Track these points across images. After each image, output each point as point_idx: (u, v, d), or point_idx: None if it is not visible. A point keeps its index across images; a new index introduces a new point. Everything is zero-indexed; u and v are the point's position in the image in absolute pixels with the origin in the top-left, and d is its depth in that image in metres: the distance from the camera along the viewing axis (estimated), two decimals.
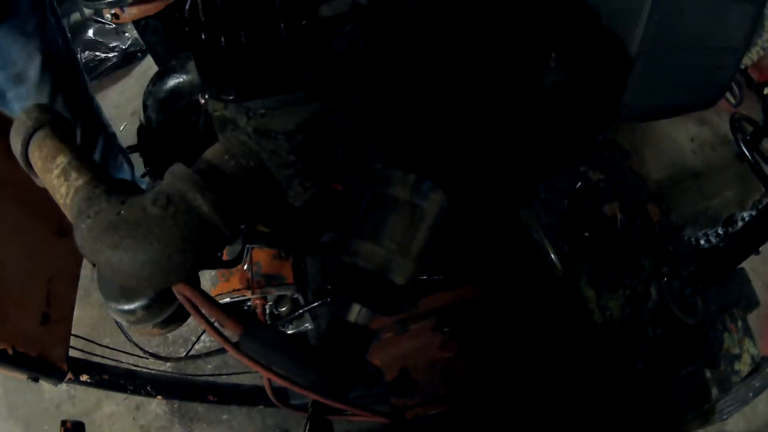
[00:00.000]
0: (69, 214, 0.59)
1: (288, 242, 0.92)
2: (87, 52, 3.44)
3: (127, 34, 3.59)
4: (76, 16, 3.91)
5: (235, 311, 0.63)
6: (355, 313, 0.63)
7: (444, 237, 0.66)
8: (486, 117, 0.78)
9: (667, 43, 0.78)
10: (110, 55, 3.49)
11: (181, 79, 0.79)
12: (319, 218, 0.85)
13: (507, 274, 1.18)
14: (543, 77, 0.82)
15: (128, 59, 3.55)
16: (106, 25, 3.61)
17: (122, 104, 3.35)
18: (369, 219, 0.63)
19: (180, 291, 0.60)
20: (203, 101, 0.64)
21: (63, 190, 0.60)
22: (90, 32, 3.53)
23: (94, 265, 0.98)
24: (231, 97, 0.56)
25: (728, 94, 3.28)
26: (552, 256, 1.24)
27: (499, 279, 1.17)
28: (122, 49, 3.53)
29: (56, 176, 0.61)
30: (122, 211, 0.54)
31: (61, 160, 0.62)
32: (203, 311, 0.61)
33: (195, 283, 0.76)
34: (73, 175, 0.60)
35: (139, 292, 0.97)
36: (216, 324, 0.68)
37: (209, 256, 0.56)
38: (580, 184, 1.45)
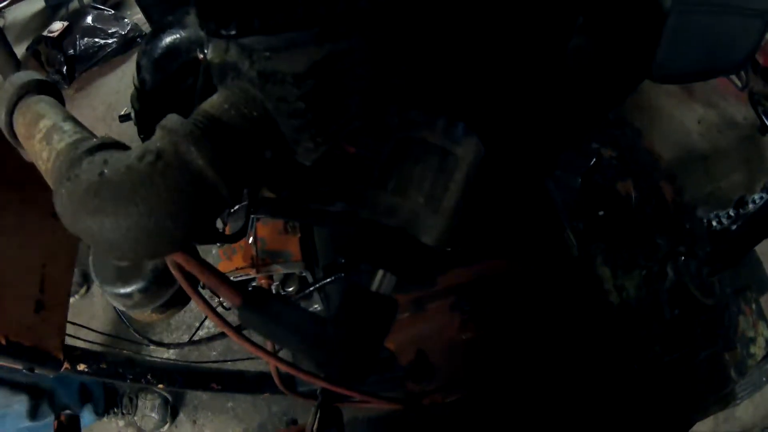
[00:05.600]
0: (50, 181, 0.53)
1: (295, 211, 0.84)
2: (86, 39, 3.41)
3: (126, 20, 3.57)
4: (74, 4, 3.90)
5: (233, 281, 0.55)
6: (377, 280, 0.55)
7: (470, 202, 0.58)
8: (511, 71, 0.71)
9: None
10: (109, 41, 3.46)
11: (178, 36, 0.72)
12: (328, 185, 0.77)
13: (529, 249, 1.12)
14: (569, 35, 0.75)
15: (128, 45, 3.52)
16: (105, 12, 3.61)
17: (122, 90, 3.31)
18: (393, 168, 0.55)
19: (174, 261, 0.54)
20: (202, 57, 0.57)
21: (45, 155, 0.54)
22: (89, 19, 3.50)
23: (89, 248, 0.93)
24: (232, 32, 0.48)
25: (734, 77, 3.26)
26: (568, 234, 1.20)
27: (522, 254, 1.11)
28: (121, 35, 3.49)
29: (38, 141, 0.56)
30: (105, 171, 0.47)
31: (44, 123, 0.56)
32: (199, 278, 0.55)
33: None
34: (55, 137, 0.54)
35: (136, 274, 0.92)
36: (217, 309, 0.62)
37: (205, 222, 0.49)
38: (594, 161, 1.41)
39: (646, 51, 0.73)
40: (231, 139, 0.50)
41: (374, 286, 0.56)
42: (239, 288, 0.56)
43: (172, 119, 0.49)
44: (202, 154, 0.47)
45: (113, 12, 3.60)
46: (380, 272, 0.56)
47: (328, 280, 0.99)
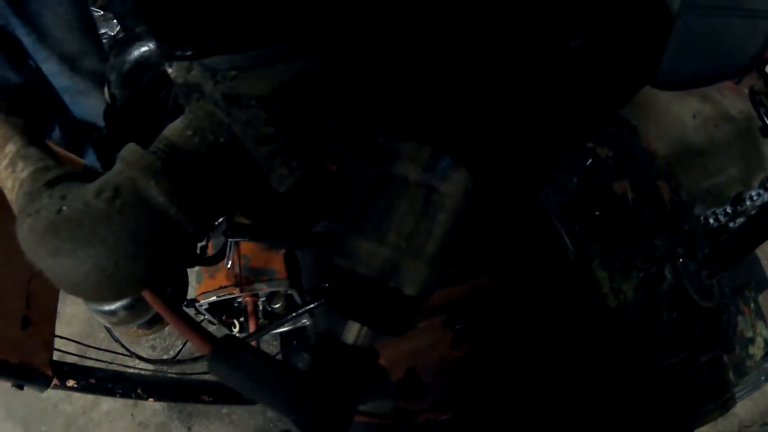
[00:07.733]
0: (15, 213, 0.51)
1: (275, 235, 0.81)
2: None
3: (115, 21, 3.52)
4: None
5: (202, 327, 0.52)
6: (354, 332, 0.51)
7: (464, 227, 0.53)
8: (507, 78, 0.66)
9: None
10: None
11: (147, 48, 0.69)
12: (309, 206, 0.73)
13: (522, 261, 1.09)
14: (569, 39, 0.71)
15: None
16: (93, 12, 3.54)
17: None
18: (369, 208, 0.50)
19: (146, 296, 0.51)
20: (170, 71, 0.54)
21: (10, 183, 0.52)
22: None
23: None
24: (188, 53, 0.43)
25: None
26: (564, 237, 1.18)
27: (515, 269, 1.08)
28: (110, 35, 3.41)
29: (4, 167, 0.53)
30: (63, 208, 0.44)
31: (10, 148, 0.54)
32: (167, 322, 0.52)
33: (179, 285, 0.68)
34: (20, 165, 0.51)
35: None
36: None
37: (172, 259, 0.46)
38: (590, 161, 1.38)
39: (649, 56, 0.69)
40: (195, 171, 0.46)
41: (349, 339, 0.52)
42: (209, 336, 0.53)
43: (130, 150, 0.46)
44: (163, 189, 0.43)
45: (102, 13, 3.56)
46: (356, 324, 0.52)
47: (313, 305, 0.95)
